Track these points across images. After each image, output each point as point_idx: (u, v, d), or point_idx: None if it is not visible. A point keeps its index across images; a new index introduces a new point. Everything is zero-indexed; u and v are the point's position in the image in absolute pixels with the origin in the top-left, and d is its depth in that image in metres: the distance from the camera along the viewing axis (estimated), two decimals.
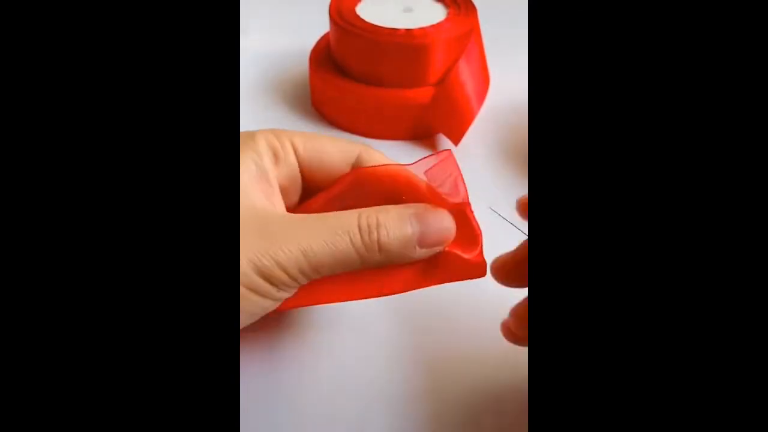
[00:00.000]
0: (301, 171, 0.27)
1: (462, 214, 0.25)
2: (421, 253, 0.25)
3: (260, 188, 0.25)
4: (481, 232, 0.26)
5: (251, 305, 0.23)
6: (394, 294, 0.26)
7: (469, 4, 0.46)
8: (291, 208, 0.28)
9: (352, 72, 0.45)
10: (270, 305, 0.24)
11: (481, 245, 0.26)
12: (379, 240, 0.24)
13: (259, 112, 0.48)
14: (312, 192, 0.28)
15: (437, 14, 0.45)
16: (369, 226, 0.24)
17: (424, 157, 0.26)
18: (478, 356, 0.31)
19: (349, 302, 0.32)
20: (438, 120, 0.44)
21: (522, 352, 0.31)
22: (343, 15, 0.44)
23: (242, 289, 0.22)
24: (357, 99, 0.45)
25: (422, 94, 0.44)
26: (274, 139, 0.26)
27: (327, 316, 0.33)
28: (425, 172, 0.25)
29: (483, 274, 0.26)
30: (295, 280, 0.23)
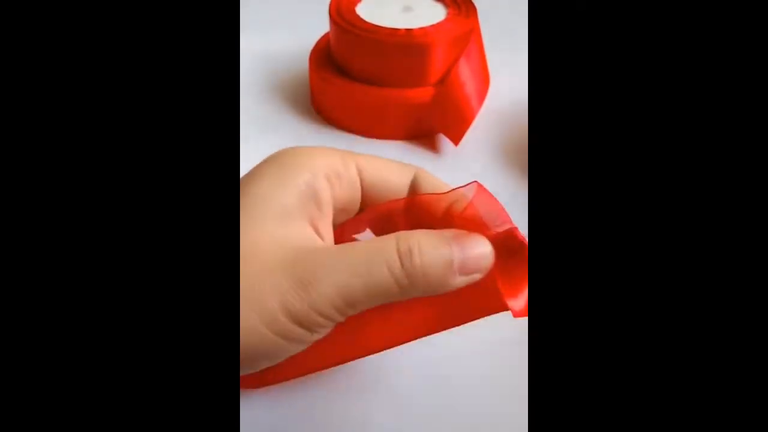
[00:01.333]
0: (363, 192, 0.26)
1: (511, 241, 0.24)
2: (460, 281, 0.23)
3: (306, 212, 0.23)
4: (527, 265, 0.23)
5: (282, 352, 0.22)
6: (433, 333, 0.25)
7: (469, 4, 0.46)
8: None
9: (352, 72, 0.45)
10: (303, 347, 0.22)
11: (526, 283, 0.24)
12: (422, 264, 0.22)
13: (259, 112, 0.48)
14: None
15: (437, 14, 0.45)
16: (410, 251, 0.22)
17: (454, 189, 0.24)
18: (478, 356, 0.31)
19: None
20: (438, 120, 0.44)
21: (522, 352, 0.31)
22: (343, 15, 0.44)
23: (273, 336, 0.21)
24: (357, 99, 0.45)
25: (422, 94, 0.44)
26: (335, 157, 0.25)
27: None
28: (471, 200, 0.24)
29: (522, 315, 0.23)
30: (330, 319, 0.22)
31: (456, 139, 0.43)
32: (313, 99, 0.49)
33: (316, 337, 0.22)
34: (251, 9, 0.58)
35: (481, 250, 0.23)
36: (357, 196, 0.25)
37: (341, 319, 0.22)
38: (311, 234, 0.23)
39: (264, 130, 0.46)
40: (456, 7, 0.45)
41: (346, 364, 0.30)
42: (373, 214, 0.26)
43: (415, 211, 0.25)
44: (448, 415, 0.29)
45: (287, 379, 0.29)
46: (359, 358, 0.26)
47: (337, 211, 0.25)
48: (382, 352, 0.31)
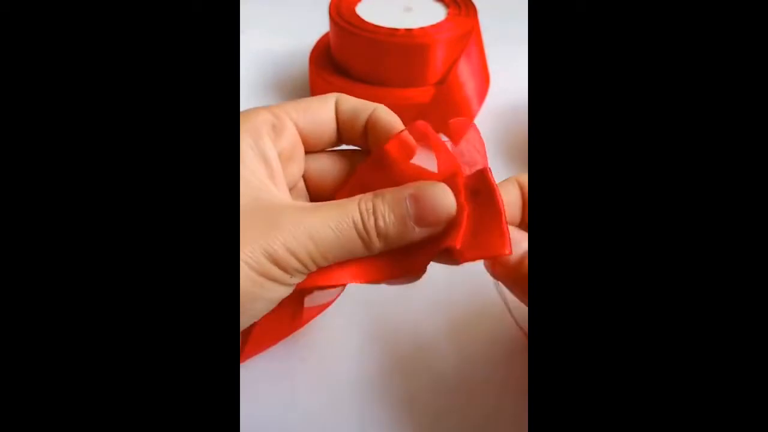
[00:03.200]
0: (302, 137, 0.28)
1: (484, 181, 0.24)
2: (421, 232, 0.24)
3: (261, 173, 0.25)
4: (502, 204, 0.24)
5: (267, 292, 0.23)
6: (411, 275, 0.26)
7: (469, 4, 0.46)
8: (296, 181, 0.28)
9: (352, 72, 0.45)
10: (284, 292, 0.24)
11: (503, 218, 0.24)
12: (376, 225, 0.24)
13: None
14: (309, 152, 0.28)
15: (437, 14, 0.45)
16: (367, 211, 0.24)
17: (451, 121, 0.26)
18: (478, 356, 0.31)
19: (349, 302, 0.32)
20: (438, 120, 0.44)
21: (522, 352, 0.31)
22: (343, 15, 0.44)
23: (258, 278, 0.23)
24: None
25: (422, 94, 0.44)
26: (268, 115, 0.26)
27: (327, 314, 0.33)
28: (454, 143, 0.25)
29: (504, 252, 0.23)
30: (305, 266, 0.23)
31: (456, 139, 0.43)
32: None
33: (294, 281, 0.24)
34: (251, 9, 0.58)
35: (439, 202, 0.24)
36: (298, 142, 0.27)
37: (314, 267, 0.24)
38: (275, 191, 0.25)
39: None
40: (456, 7, 0.45)
41: (345, 365, 0.30)
42: (355, 180, 0.27)
43: (388, 170, 0.26)
44: (448, 415, 0.29)
45: (268, 343, 0.30)
46: (336, 284, 0.27)
47: (285, 162, 0.27)
48: (381, 353, 0.31)
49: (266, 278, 0.23)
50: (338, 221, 0.24)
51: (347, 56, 0.45)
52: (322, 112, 0.28)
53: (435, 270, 0.26)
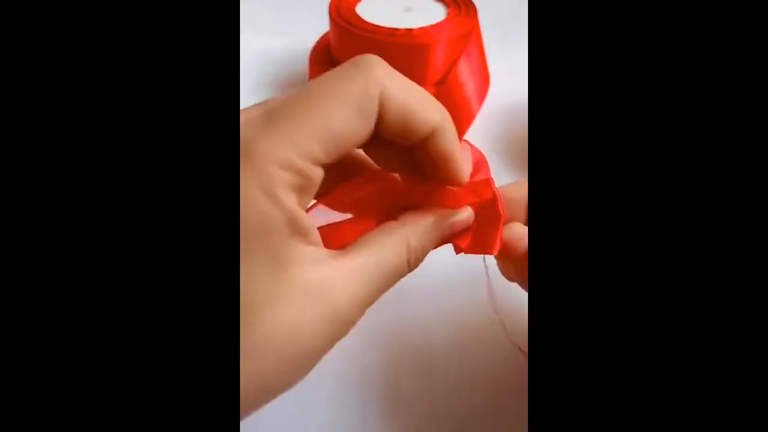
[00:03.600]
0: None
1: (488, 190, 0.25)
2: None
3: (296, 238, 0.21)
4: (503, 211, 0.25)
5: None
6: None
7: (469, 4, 0.46)
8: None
9: None
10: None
11: (501, 224, 0.25)
12: (423, 255, 0.24)
13: None
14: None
15: (437, 14, 0.45)
16: (416, 249, 0.23)
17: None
18: (478, 355, 0.31)
19: None
20: None
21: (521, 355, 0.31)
22: (342, 14, 0.44)
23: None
24: None
25: None
26: (288, 175, 0.20)
27: None
28: None
29: (493, 254, 0.25)
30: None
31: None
32: None
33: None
34: (251, 9, 0.58)
35: (464, 217, 0.24)
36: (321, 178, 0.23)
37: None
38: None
39: None
40: (456, 6, 0.45)
41: (346, 365, 0.30)
42: (369, 183, 0.26)
43: (409, 184, 0.26)
44: (447, 415, 0.29)
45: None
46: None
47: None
48: (381, 353, 0.31)
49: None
50: (386, 265, 0.22)
51: (347, 56, 0.45)
52: (356, 129, 0.21)
53: (436, 270, 0.26)
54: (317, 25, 0.50)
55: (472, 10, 0.45)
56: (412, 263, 0.23)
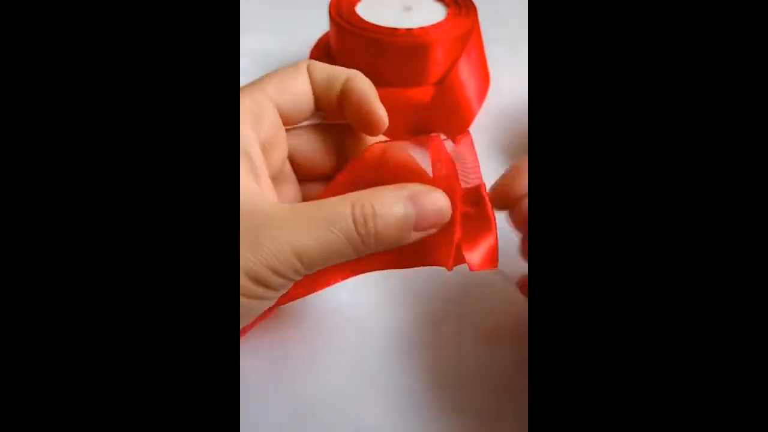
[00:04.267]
0: (281, 116, 0.26)
1: (477, 197, 0.24)
2: (415, 236, 0.24)
3: (243, 173, 0.23)
4: (494, 219, 0.24)
5: (248, 310, 0.23)
6: (385, 269, 0.26)
7: (469, 4, 0.46)
8: (280, 166, 0.27)
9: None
10: (266, 305, 0.23)
11: (495, 235, 0.24)
12: (376, 230, 0.22)
13: None
14: (286, 124, 0.27)
15: (437, 14, 0.45)
16: (364, 217, 0.22)
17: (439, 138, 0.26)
18: (478, 356, 0.31)
19: (349, 296, 0.32)
20: (438, 120, 0.44)
21: (523, 349, 0.31)
22: (342, 14, 0.44)
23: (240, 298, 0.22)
24: None
25: (422, 94, 0.44)
26: (249, 102, 0.25)
27: (327, 311, 0.33)
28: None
29: (489, 268, 0.24)
30: (290, 280, 0.22)
31: (456, 141, 0.43)
32: None
33: (280, 292, 0.23)
34: (251, 9, 0.57)
35: (438, 205, 0.23)
36: (279, 124, 0.26)
37: (299, 278, 0.23)
38: (257, 190, 0.24)
39: None
40: (456, 6, 0.45)
41: (345, 365, 0.30)
42: (347, 175, 0.26)
43: (384, 164, 0.25)
44: (447, 415, 0.29)
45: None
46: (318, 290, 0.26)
47: (267, 151, 0.26)
48: (380, 353, 0.31)
49: (248, 297, 0.22)
50: (327, 232, 0.22)
51: (347, 56, 0.45)
52: (299, 83, 0.26)
53: (436, 270, 0.26)
54: (317, 24, 0.50)
55: (472, 10, 0.45)
56: (360, 230, 0.22)
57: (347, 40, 0.44)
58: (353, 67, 0.45)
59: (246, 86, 0.26)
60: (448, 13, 0.45)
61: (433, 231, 0.24)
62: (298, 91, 0.26)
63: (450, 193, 0.24)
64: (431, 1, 0.46)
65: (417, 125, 0.45)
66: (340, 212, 0.22)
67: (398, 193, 0.23)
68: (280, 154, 0.27)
